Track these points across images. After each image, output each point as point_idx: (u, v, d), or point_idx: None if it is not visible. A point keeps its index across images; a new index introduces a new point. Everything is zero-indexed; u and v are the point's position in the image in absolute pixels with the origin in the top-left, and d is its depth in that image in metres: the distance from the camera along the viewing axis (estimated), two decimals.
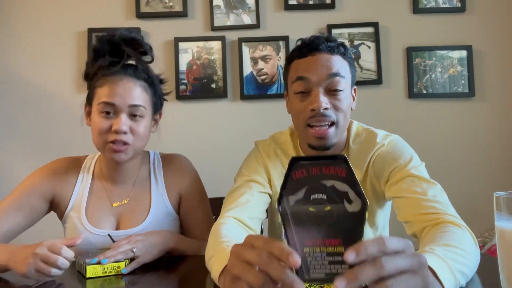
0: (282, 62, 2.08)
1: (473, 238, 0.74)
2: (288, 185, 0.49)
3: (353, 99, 1.01)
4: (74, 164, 1.14)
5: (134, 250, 0.92)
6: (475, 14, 2.12)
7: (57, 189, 1.09)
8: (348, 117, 0.97)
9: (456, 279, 0.60)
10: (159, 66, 1.16)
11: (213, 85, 2.08)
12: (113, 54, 1.04)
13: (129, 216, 1.09)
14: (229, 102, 2.09)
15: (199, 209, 1.17)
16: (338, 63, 0.94)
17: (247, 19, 2.11)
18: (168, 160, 1.19)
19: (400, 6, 2.13)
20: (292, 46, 1.93)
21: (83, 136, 1.81)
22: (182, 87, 2.07)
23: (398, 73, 2.11)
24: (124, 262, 0.89)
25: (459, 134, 2.08)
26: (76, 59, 2.08)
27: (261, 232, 1.17)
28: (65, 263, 0.81)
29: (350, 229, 0.47)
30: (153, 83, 1.09)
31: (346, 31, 2.10)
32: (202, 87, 2.08)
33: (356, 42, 2.10)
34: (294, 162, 0.50)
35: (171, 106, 1.20)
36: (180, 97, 2.06)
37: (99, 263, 0.85)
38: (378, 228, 1.06)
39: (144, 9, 2.10)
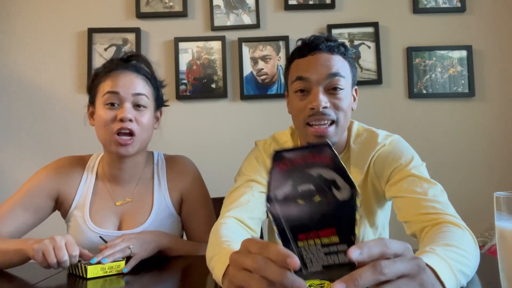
0: (282, 62, 2.08)
1: (473, 238, 0.74)
2: (273, 181, 0.47)
3: (354, 99, 1.01)
4: (79, 163, 1.14)
5: (131, 247, 0.92)
6: (475, 14, 2.12)
7: (62, 187, 1.09)
8: (348, 117, 0.97)
9: (457, 279, 0.60)
10: (159, 64, 1.18)
11: (213, 85, 2.08)
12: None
13: (131, 216, 1.09)
14: (229, 102, 2.09)
15: (201, 211, 1.17)
16: (338, 63, 0.94)
17: (247, 19, 2.11)
18: (171, 161, 1.19)
19: (400, 6, 2.13)
20: (292, 46, 1.93)
21: (83, 136, 1.81)
22: (182, 87, 2.07)
23: (398, 73, 2.11)
24: (124, 261, 0.89)
25: (459, 134, 2.08)
26: (76, 59, 2.08)
27: (261, 232, 1.17)
28: (67, 264, 0.82)
29: (342, 216, 0.45)
30: (155, 79, 1.11)
31: (346, 31, 2.10)
32: (202, 87, 2.08)
33: (356, 42, 2.10)
34: (277, 155, 0.47)
35: (171, 106, 1.21)
36: (180, 97, 2.06)
37: (99, 263, 0.85)
38: (378, 228, 1.06)
39: (144, 9, 2.09)
